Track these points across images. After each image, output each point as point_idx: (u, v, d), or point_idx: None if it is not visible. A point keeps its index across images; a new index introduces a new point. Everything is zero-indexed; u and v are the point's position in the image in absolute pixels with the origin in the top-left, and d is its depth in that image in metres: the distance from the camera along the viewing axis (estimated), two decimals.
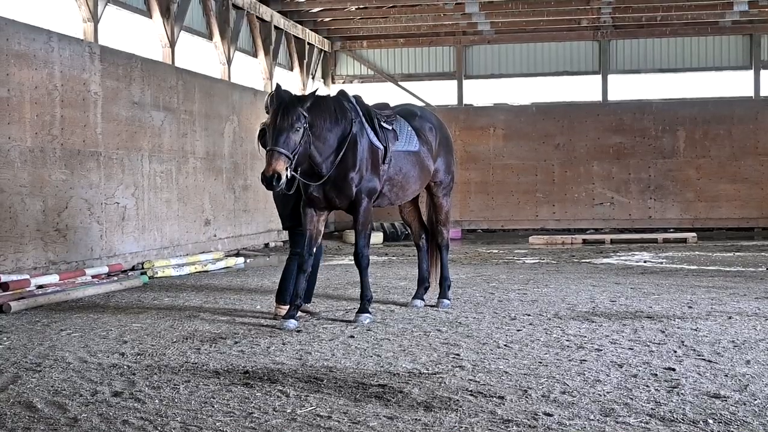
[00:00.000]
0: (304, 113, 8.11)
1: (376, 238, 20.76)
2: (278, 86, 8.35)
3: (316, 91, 8.45)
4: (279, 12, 20.93)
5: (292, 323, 8.36)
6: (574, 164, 23.57)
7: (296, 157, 8.05)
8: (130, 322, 8.84)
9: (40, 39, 11.80)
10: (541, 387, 5.86)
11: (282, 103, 8.12)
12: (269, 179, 7.86)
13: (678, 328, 8.14)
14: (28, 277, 10.85)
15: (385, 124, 9.06)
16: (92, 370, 6.56)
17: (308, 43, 23.20)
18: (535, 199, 23.74)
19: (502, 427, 4.97)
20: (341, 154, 8.52)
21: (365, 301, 8.86)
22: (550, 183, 23.68)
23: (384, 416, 5.20)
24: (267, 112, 8.64)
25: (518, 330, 8.12)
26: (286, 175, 7.93)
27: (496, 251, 18.22)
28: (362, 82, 25.21)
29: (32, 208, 11.53)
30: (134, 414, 5.32)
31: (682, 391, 5.70)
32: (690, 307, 9.47)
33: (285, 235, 20.04)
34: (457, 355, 7.00)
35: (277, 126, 8.00)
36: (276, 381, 6.11)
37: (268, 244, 19.05)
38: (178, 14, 16.02)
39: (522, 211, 23.82)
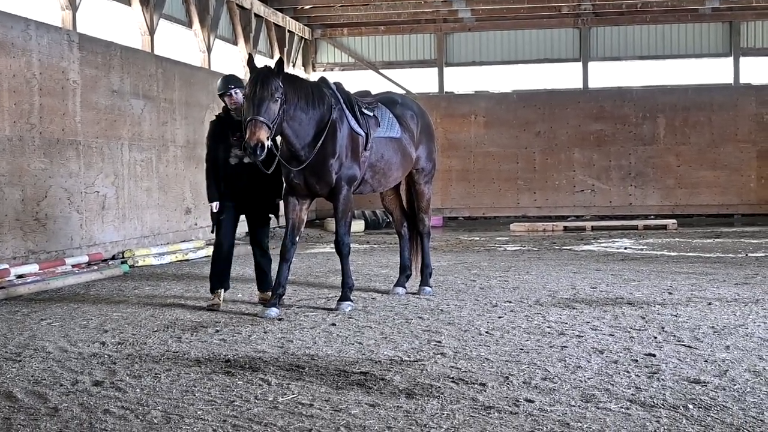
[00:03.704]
0: (281, 84, 8.11)
1: (358, 226, 20.74)
2: (250, 56, 8.40)
3: (281, 59, 8.43)
4: (259, 0, 20.84)
5: (273, 311, 8.36)
6: (555, 151, 23.62)
7: (275, 127, 8.05)
8: (110, 312, 8.81)
9: (17, 27, 11.70)
10: (522, 373, 5.88)
11: (260, 72, 8.14)
12: (254, 148, 7.83)
13: (658, 314, 8.19)
14: (7, 266, 10.81)
15: (366, 111, 9.05)
16: (73, 360, 6.54)
17: (288, 31, 23.12)
18: (516, 187, 23.78)
19: (484, 413, 4.98)
20: (321, 140, 8.50)
21: (346, 289, 8.87)
22: (531, 170, 23.71)
23: (366, 404, 5.20)
24: (220, 96, 8.88)
25: (499, 317, 8.15)
26: (267, 145, 7.93)
27: (478, 239, 18.25)
28: (343, 69, 25.15)
29: (11, 197, 11.45)
30: (115, 403, 5.30)
31: (663, 377, 5.73)
32: (670, 294, 9.52)
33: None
34: (439, 342, 7.01)
35: (257, 95, 7.98)
36: (257, 369, 6.11)
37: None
38: (157, 2, 15.92)
39: (503, 199, 23.85)
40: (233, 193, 8.86)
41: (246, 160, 8.68)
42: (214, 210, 8.92)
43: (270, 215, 9.17)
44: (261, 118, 7.89)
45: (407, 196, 10.16)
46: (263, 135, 7.85)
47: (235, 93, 8.79)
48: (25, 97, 11.79)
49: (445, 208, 23.77)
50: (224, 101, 8.92)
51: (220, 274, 9.05)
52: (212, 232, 9.14)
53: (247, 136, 7.89)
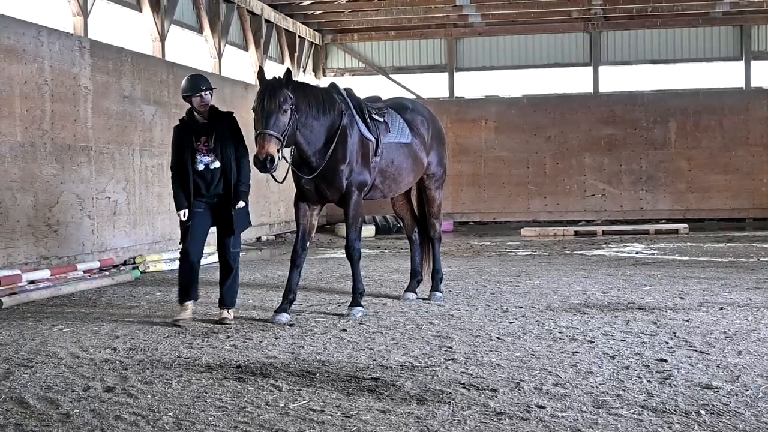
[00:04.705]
0: (290, 95, 8.11)
1: (368, 231, 20.76)
2: (261, 69, 8.37)
3: (289, 70, 8.36)
4: (269, 5, 20.87)
5: (284, 317, 8.36)
6: (565, 156, 23.57)
7: (286, 138, 8.05)
8: (122, 317, 8.83)
9: (29, 33, 11.75)
10: (533, 379, 5.86)
11: (269, 85, 8.11)
12: (263, 162, 7.84)
13: (670, 319, 8.16)
14: (19, 272, 10.83)
15: (376, 116, 9.06)
16: (84, 366, 6.55)
17: (299, 36, 23.16)
18: (527, 191, 23.74)
19: (495, 419, 4.97)
20: (332, 146, 8.51)
21: (357, 295, 8.86)
22: (541, 175, 23.67)
23: (377, 410, 5.19)
24: (188, 98, 8.41)
25: (510, 322, 8.13)
26: (278, 158, 7.94)
27: (488, 243, 18.23)
28: (353, 75, 25.16)
29: (23, 203, 11.50)
30: (127, 409, 5.31)
31: (674, 382, 5.71)
32: (682, 298, 9.49)
33: (277, 228, 20.04)
34: (450, 347, 7.00)
35: (265, 108, 7.98)
36: (268, 375, 6.11)
37: (260, 237, 19.04)
38: (168, 8, 15.97)
39: (514, 203, 23.82)
40: (201, 200, 8.34)
41: (213, 166, 8.27)
42: (183, 218, 8.33)
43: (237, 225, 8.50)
44: (270, 132, 7.91)
45: (418, 202, 10.16)
46: (272, 148, 7.87)
47: (205, 94, 8.35)
48: (37, 103, 11.83)
49: (455, 213, 23.75)
50: (191, 102, 8.41)
51: (189, 285, 8.47)
52: (180, 242, 8.55)
53: (257, 150, 7.91)
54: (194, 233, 8.40)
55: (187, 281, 8.47)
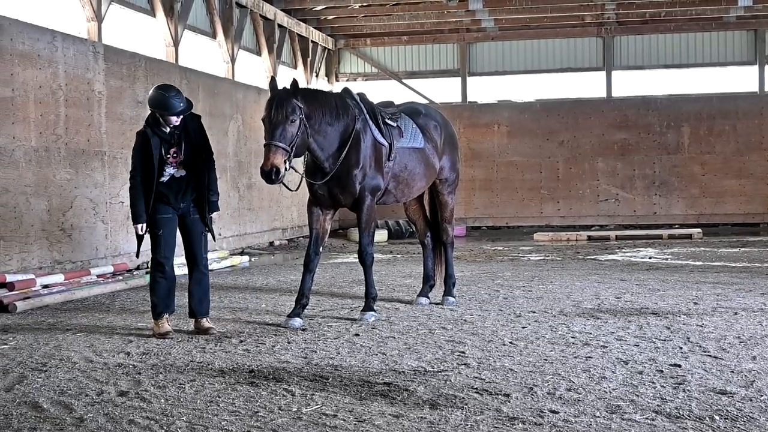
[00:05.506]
0: (299, 105, 8.10)
1: (381, 235, 20.75)
2: (273, 79, 8.37)
3: (295, 80, 8.31)
4: (282, 10, 20.92)
5: (297, 321, 8.36)
6: (578, 161, 23.53)
7: (294, 149, 8.05)
8: (135, 322, 8.86)
9: (44, 39, 11.81)
10: (546, 384, 5.85)
11: (276, 96, 8.10)
12: (268, 173, 7.86)
13: (683, 324, 8.14)
14: (33, 276, 10.87)
15: (389, 121, 9.06)
16: (98, 370, 6.57)
17: (312, 41, 23.19)
18: (540, 196, 23.70)
19: (508, 424, 4.96)
20: (345, 151, 8.52)
21: (370, 299, 8.86)
22: (554, 180, 23.64)
23: (389, 414, 5.19)
24: (155, 112, 8.01)
25: (523, 327, 8.12)
26: (285, 168, 7.94)
27: (501, 248, 18.20)
28: (366, 79, 25.20)
29: (37, 207, 11.54)
30: (140, 413, 5.32)
31: (688, 388, 5.69)
32: (695, 303, 9.45)
33: (290, 233, 20.06)
34: (463, 352, 6.99)
35: (272, 120, 7.98)
36: (281, 380, 6.11)
37: (273, 242, 19.05)
38: (181, 13, 16.01)
39: (526, 208, 23.79)
40: (169, 206, 8.03)
41: (178, 174, 7.96)
42: (140, 232, 8.01)
43: (205, 232, 8.32)
44: (277, 143, 7.91)
45: (430, 206, 10.16)
46: (279, 160, 7.87)
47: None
48: (51, 108, 11.89)
49: (468, 217, 23.73)
50: (162, 118, 8.00)
51: (166, 296, 8.14)
52: (137, 255, 8.35)
53: (263, 161, 7.92)
54: (168, 241, 8.14)
55: (166, 293, 8.15)
